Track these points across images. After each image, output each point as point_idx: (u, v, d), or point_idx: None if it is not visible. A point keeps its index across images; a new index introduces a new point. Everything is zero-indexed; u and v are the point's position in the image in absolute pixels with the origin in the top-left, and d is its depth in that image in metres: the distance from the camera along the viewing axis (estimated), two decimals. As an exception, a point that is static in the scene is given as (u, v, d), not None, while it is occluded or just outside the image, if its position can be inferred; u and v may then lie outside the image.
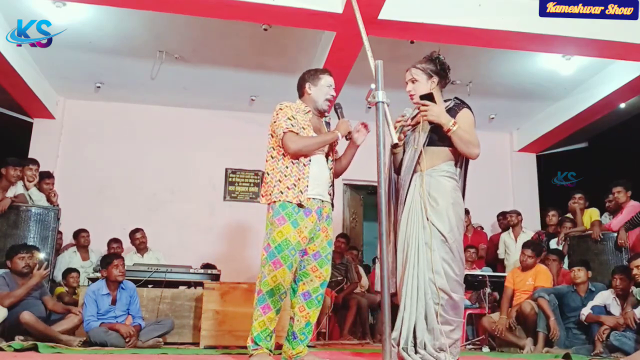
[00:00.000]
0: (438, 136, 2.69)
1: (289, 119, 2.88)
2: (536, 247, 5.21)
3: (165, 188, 6.96)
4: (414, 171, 2.70)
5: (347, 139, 3.02)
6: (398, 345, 2.58)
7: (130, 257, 5.85)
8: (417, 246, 2.62)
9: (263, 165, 3.00)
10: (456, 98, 2.83)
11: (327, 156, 3.00)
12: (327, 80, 3.03)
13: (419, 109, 2.71)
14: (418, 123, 2.76)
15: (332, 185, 3.04)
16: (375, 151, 2.01)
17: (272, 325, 2.83)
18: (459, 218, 2.67)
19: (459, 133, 2.64)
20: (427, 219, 2.62)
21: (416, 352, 2.56)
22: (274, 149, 2.94)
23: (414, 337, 2.58)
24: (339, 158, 3.12)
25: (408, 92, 2.84)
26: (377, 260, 2.83)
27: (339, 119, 3.04)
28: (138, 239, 5.98)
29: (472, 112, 2.78)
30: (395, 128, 2.69)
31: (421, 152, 2.68)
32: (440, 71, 2.82)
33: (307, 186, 2.84)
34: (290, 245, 2.78)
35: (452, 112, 2.72)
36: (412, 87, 2.82)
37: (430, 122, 2.68)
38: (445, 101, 2.83)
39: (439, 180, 2.68)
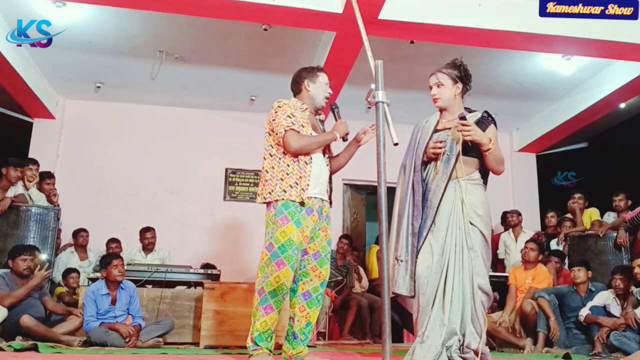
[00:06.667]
0: (469, 148, 2.73)
1: (288, 116, 2.87)
2: (539, 244, 5.30)
3: (165, 188, 6.96)
4: (450, 178, 2.72)
5: (344, 140, 3.03)
6: (446, 349, 2.58)
7: (134, 254, 5.81)
8: (462, 251, 2.66)
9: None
10: (485, 112, 2.86)
11: (323, 154, 3.00)
12: (324, 78, 3.04)
13: (459, 129, 2.70)
14: (448, 128, 2.80)
15: (330, 182, 3.04)
16: (375, 151, 2.01)
17: (274, 325, 2.83)
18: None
19: (495, 152, 2.72)
20: (472, 224, 2.68)
21: (462, 353, 2.58)
22: (272, 147, 2.92)
23: (459, 340, 2.60)
24: (337, 155, 3.12)
25: (432, 95, 2.86)
26: (396, 260, 2.82)
27: (336, 120, 3.03)
28: (148, 239, 5.91)
29: (496, 127, 2.84)
30: (439, 154, 2.74)
31: (458, 159, 2.71)
32: (464, 78, 2.85)
33: (308, 185, 2.84)
34: (294, 245, 2.77)
35: (479, 126, 2.75)
36: (438, 91, 2.84)
37: (471, 141, 2.70)
38: (470, 111, 2.84)
39: (477, 188, 2.76)
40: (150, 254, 5.94)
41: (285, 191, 2.80)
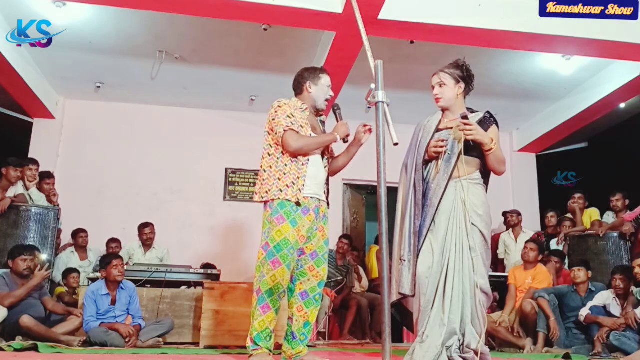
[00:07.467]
0: (470, 147, 2.73)
1: (288, 116, 2.87)
2: (539, 244, 5.31)
3: (165, 188, 6.96)
4: (450, 177, 2.72)
5: (344, 142, 3.03)
6: (446, 349, 2.58)
7: (134, 249, 5.80)
8: (462, 251, 2.66)
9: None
10: (487, 112, 2.86)
11: (322, 156, 3.00)
12: (326, 80, 3.04)
13: (461, 128, 2.69)
14: (450, 128, 2.80)
15: (327, 183, 3.04)
16: (375, 151, 2.01)
17: (272, 325, 2.83)
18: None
19: (497, 153, 2.72)
20: (473, 224, 2.67)
21: (462, 353, 2.59)
22: (271, 146, 2.93)
23: (459, 340, 2.60)
24: (338, 156, 3.12)
25: (435, 95, 2.86)
26: (400, 260, 2.82)
27: (337, 121, 3.03)
28: (146, 234, 5.90)
29: (498, 127, 2.83)
30: (441, 153, 2.74)
31: (459, 158, 2.71)
32: (467, 78, 2.85)
33: (304, 185, 2.84)
34: (290, 244, 2.77)
35: (481, 126, 2.74)
36: (440, 90, 2.84)
37: (473, 141, 2.69)
38: (472, 111, 2.84)
39: (477, 188, 2.76)
40: (149, 251, 5.93)
41: (281, 190, 2.81)
